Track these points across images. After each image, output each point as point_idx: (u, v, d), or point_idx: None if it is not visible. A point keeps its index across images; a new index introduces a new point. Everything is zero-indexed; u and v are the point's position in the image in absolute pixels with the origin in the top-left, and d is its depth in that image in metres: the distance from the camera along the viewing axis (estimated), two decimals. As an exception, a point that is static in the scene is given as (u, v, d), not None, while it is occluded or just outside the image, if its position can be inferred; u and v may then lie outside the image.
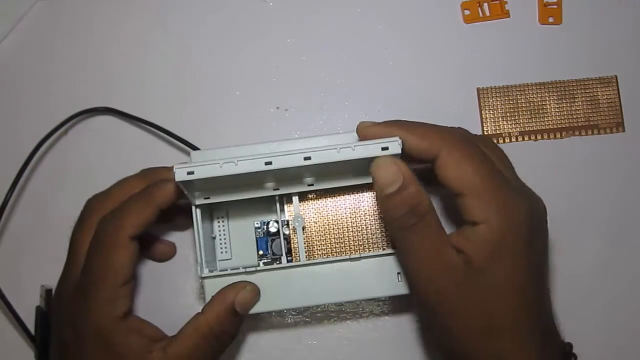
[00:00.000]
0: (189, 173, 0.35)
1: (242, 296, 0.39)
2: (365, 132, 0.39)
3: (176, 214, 0.45)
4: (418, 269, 0.37)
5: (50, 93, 0.49)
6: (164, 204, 0.40)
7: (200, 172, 0.36)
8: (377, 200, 0.37)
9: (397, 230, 0.37)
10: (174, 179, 0.36)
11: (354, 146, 0.36)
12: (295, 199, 0.42)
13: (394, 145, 0.36)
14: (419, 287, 0.37)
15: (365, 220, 0.43)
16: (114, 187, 0.43)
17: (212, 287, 0.40)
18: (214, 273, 0.40)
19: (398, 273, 0.40)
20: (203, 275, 0.40)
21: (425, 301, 0.37)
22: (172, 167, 0.36)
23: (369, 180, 0.37)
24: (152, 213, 0.40)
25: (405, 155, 0.37)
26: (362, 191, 0.43)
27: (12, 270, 0.47)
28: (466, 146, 0.37)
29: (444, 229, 0.37)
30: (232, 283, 0.40)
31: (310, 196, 0.43)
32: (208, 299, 0.40)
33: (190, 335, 0.39)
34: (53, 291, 0.44)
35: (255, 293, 0.40)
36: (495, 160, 0.38)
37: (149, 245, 0.46)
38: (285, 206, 0.43)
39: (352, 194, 0.44)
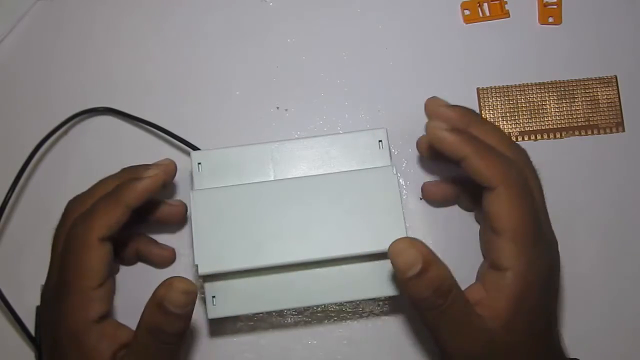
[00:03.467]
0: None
1: (171, 293, 0.36)
2: (435, 134, 0.38)
3: (157, 212, 0.44)
4: (447, 342, 0.37)
5: (51, 93, 0.49)
6: (133, 203, 0.39)
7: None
8: (397, 281, 0.37)
9: (423, 310, 0.37)
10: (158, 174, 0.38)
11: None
12: None
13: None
14: (449, 356, 0.37)
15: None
16: (93, 187, 0.42)
17: (212, 287, 0.40)
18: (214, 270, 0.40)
19: None
20: (201, 273, 0.40)
21: None
22: (151, 165, 0.38)
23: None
24: (122, 213, 0.39)
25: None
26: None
27: (12, 270, 0.47)
28: (522, 189, 0.38)
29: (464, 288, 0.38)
30: (169, 278, 0.37)
31: None
32: (208, 299, 0.40)
33: (134, 340, 0.37)
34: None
35: (184, 291, 0.36)
36: (536, 194, 0.39)
37: (148, 250, 0.45)
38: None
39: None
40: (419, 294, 0.36)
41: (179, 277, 0.36)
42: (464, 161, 0.38)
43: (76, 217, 0.40)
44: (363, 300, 0.46)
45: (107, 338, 0.38)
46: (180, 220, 0.45)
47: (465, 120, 0.41)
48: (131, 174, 0.42)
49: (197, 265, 0.39)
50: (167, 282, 0.36)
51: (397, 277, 0.36)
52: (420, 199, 0.47)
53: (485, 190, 0.38)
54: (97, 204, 0.40)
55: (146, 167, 0.41)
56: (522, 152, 0.41)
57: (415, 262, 0.35)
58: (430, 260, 0.36)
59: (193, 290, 0.36)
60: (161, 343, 0.37)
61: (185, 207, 0.45)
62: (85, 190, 0.42)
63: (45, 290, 0.41)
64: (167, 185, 0.43)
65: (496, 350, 0.36)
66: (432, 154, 0.44)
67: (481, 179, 0.38)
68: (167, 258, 0.46)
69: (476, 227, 0.44)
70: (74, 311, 0.38)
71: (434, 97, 0.42)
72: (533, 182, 0.40)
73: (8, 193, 0.44)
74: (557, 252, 0.40)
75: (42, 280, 0.45)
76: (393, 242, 0.36)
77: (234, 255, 0.39)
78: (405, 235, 0.38)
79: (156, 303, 0.36)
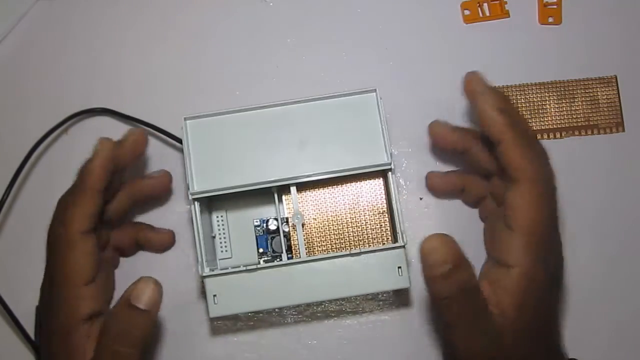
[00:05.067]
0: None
1: (136, 289, 0.36)
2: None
3: (141, 186, 0.44)
4: (462, 339, 0.37)
5: (50, 93, 0.49)
6: (96, 183, 0.39)
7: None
8: (423, 274, 0.36)
9: (445, 307, 0.37)
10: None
11: None
12: (293, 189, 0.43)
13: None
14: (462, 354, 0.37)
15: (364, 215, 0.44)
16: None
17: (213, 286, 0.40)
18: (215, 272, 0.40)
19: (399, 267, 0.40)
20: (204, 274, 0.40)
21: None
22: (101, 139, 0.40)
23: (366, 161, 0.40)
24: (92, 198, 0.39)
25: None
26: (360, 181, 0.44)
27: (10, 271, 0.47)
28: (546, 187, 0.38)
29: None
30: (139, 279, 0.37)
31: (308, 188, 0.44)
32: (209, 298, 0.40)
33: (97, 354, 0.37)
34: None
35: (150, 283, 0.37)
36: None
37: (146, 236, 0.45)
38: (284, 199, 0.44)
39: (350, 184, 0.44)
40: (443, 292, 0.36)
41: (142, 277, 0.37)
42: (501, 145, 0.38)
43: (54, 217, 0.40)
44: (366, 294, 0.46)
45: (94, 340, 0.38)
46: (165, 189, 0.45)
47: (508, 105, 0.40)
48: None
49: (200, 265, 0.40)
50: (134, 283, 0.37)
51: (423, 272, 0.36)
52: (421, 199, 0.47)
53: (510, 181, 0.38)
54: (67, 198, 0.40)
55: (98, 144, 0.40)
56: (546, 152, 0.41)
57: (447, 261, 0.35)
58: (461, 261, 0.36)
59: (158, 285, 0.37)
60: (124, 351, 0.36)
61: (169, 177, 0.45)
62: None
63: (42, 288, 0.42)
64: (140, 156, 0.43)
65: (503, 347, 0.36)
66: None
67: (511, 167, 0.38)
68: (166, 241, 0.46)
69: (476, 226, 0.44)
70: (64, 307, 0.38)
71: (475, 72, 0.41)
72: (555, 183, 0.40)
73: (5, 193, 0.44)
74: (562, 254, 0.40)
75: (40, 281, 0.45)
76: (426, 238, 0.36)
77: (227, 177, 0.40)
78: (387, 159, 0.40)
79: (121, 303, 0.36)
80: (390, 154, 0.41)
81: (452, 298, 0.36)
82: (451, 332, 0.37)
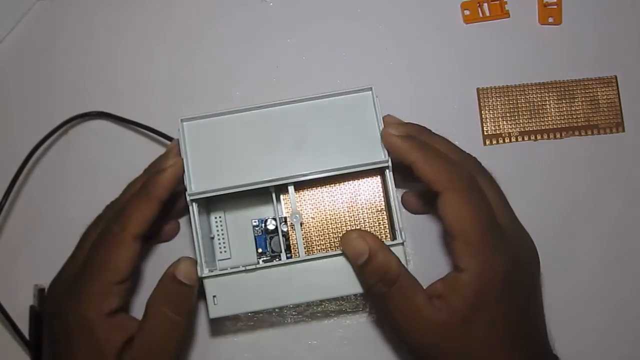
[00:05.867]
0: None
1: (179, 267, 0.40)
2: (388, 140, 0.41)
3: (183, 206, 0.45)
4: (400, 328, 0.39)
5: (50, 94, 0.49)
6: (163, 194, 0.40)
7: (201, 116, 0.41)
8: (354, 271, 0.40)
9: (373, 297, 0.40)
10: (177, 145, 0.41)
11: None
12: (291, 189, 0.43)
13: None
14: (406, 344, 0.40)
15: (362, 213, 0.44)
16: (123, 191, 0.43)
17: (213, 287, 0.40)
18: (214, 272, 0.40)
19: None
20: (203, 275, 0.40)
21: (417, 356, 0.40)
22: (166, 154, 0.41)
23: (363, 159, 0.40)
24: (154, 207, 0.40)
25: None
26: (358, 179, 0.44)
27: (8, 272, 0.47)
28: (469, 192, 0.39)
29: (421, 285, 0.39)
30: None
31: (306, 187, 0.44)
32: (209, 299, 0.40)
33: (146, 319, 0.40)
34: (46, 290, 0.44)
35: (191, 263, 0.40)
36: (492, 197, 0.40)
37: (156, 232, 0.46)
38: (282, 198, 0.44)
39: (348, 182, 0.44)
40: (366, 281, 0.39)
41: (185, 256, 0.40)
42: (413, 166, 0.40)
43: (110, 216, 0.42)
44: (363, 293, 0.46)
45: (119, 329, 0.40)
46: (172, 237, 0.47)
47: (416, 131, 0.42)
48: (153, 167, 0.43)
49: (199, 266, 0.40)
50: (174, 263, 0.40)
51: (353, 267, 0.40)
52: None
53: (436, 195, 0.39)
54: (130, 202, 0.41)
55: (164, 157, 0.42)
56: (471, 158, 0.42)
57: (363, 251, 0.39)
58: (376, 249, 0.39)
59: (194, 263, 0.40)
60: (173, 317, 0.39)
61: (179, 226, 0.47)
62: (118, 196, 0.43)
63: (58, 280, 0.42)
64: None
65: (450, 341, 0.38)
66: (419, 204, 0.46)
67: (429, 183, 0.39)
68: (173, 230, 0.47)
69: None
70: (91, 300, 0.39)
71: (388, 115, 0.43)
72: (485, 185, 0.41)
73: (4, 196, 0.44)
74: (528, 247, 0.41)
75: (38, 282, 0.45)
76: (345, 233, 0.40)
77: (225, 177, 0.41)
78: (385, 156, 0.41)
79: (167, 276, 0.40)
80: (388, 151, 0.41)
81: (375, 287, 0.39)
82: (390, 322, 0.40)
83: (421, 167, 0.39)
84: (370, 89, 0.42)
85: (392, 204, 0.41)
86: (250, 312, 0.46)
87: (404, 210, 0.47)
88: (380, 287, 0.38)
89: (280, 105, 0.42)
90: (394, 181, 0.41)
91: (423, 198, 0.46)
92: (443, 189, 0.39)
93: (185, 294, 0.40)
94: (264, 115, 0.42)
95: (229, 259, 0.44)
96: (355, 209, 0.44)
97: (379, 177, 0.44)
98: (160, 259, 0.47)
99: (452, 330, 0.38)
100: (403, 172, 0.42)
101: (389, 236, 0.43)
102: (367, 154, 0.41)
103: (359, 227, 0.44)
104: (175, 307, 0.40)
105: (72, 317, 0.39)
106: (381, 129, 0.41)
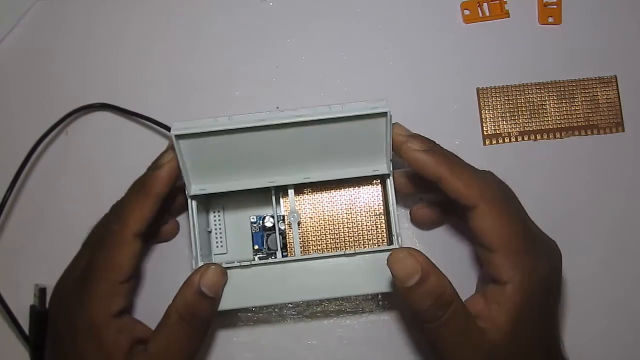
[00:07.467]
0: (186, 130, 0.38)
1: (207, 277, 0.38)
2: (411, 155, 0.39)
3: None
4: (448, 355, 0.37)
5: (50, 92, 0.49)
6: (161, 191, 0.40)
7: (197, 127, 0.38)
8: (400, 293, 0.37)
9: (424, 322, 0.37)
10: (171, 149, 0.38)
11: (344, 106, 0.38)
12: (291, 192, 0.43)
13: (382, 105, 0.37)
14: None
15: (361, 217, 0.44)
16: (128, 190, 0.43)
17: None
18: None
19: None
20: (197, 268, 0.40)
21: None
22: (164, 153, 0.39)
23: (366, 171, 0.39)
24: (153, 204, 0.40)
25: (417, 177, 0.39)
26: (358, 186, 0.44)
27: (10, 269, 0.47)
28: (504, 203, 0.38)
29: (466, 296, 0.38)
30: (199, 266, 0.39)
31: (306, 190, 0.44)
32: None
33: (164, 327, 0.39)
34: (47, 290, 0.44)
35: (220, 273, 0.39)
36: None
37: (155, 231, 0.46)
38: (282, 200, 0.44)
39: (348, 189, 0.44)
40: (419, 304, 0.36)
41: (206, 263, 0.39)
42: (442, 182, 0.38)
43: (109, 214, 0.41)
44: (358, 296, 0.46)
45: (126, 332, 0.39)
46: (172, 237, 0.47)
47: (431, 144, 0.40)
48: (154, 165, 0.42)
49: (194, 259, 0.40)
50: (201, 269, 0.39)
51: (398, 288, 0.36)
52: (420, 199, 0.47)
53: (467, 209, 0.38)
54: (128, 200, 0.41)
55: (162, 155, 0.42)
56: (488, 171, 0.41)
57: (415, 272, 0.35)
58: (429, 270, 0.36)
59: (224, 273, 0.39)
60: (191, 328, 0.39)
61: (178, 226, 0.47)
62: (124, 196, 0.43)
63: (63, 282, 0.42)
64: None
65: (497, 359, 0.36)
66: (410, 186, 0.44)
67: (461, 198, 0.38)
68: (172, 230, 0.47)
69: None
70: (97, 302, 0.39)
71: (397, 124, 0.40)
72: (511, 194, 0.40)
73: (7, 192, 0.44)
74: (556, 250, 0.40)
75: (39, 280, 0.45)
76: (392, 252, 0.36)
77: (226, 177, 0.40)
78: (389, 170, 0.40)
79: (191, 287, 0.38)
80: (392, 162, 0.40)
81: (429, 311, 0.36)
82: (437, 349, 0.37)
83: (451, 181, 0.38)
84: (386, 115, 0.38)
85: (392, 209, 0.41)
86: (243, 308, 0.45)
87: (404, 214, 0.47)
88: (436, 311, 0.36)
89: (284, 128, 0.38)
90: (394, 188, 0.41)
91: (437, 209, 0.45)
92: (477, 203, 0.38)
93: (208, 307, 0.39)
94: (267, 136, 0.39)
95: (225, 254, 0.44)
96: (354, 212, 0.44)
97: (379, 183, 0.44)
98: (161, 259, 0.47)
99: (499, 350, 0.36)
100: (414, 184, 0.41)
101: (386, 241, 0.43)
102: (371, 164, 0.40)
103: (357, 229, 0.43)
104: (195, 319, 0.39)
105: (79, 319, 0.39)
106: (389, 142, 0.39)
